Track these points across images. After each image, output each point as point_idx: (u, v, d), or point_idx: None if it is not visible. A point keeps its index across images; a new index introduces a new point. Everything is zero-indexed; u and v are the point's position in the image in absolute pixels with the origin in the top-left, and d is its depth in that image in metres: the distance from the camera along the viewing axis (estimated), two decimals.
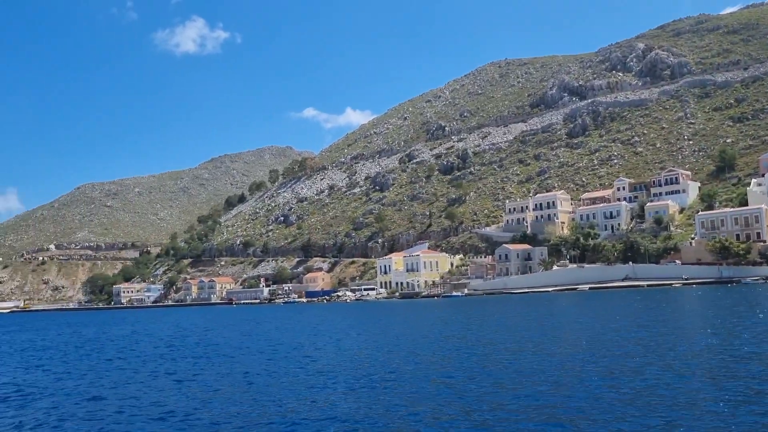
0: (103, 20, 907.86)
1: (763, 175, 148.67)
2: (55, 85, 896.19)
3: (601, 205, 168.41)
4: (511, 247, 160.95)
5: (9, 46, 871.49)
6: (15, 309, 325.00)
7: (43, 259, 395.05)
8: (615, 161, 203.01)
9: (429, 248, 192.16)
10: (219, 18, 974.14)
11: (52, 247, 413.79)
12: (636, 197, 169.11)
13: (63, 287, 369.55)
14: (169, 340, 59.53)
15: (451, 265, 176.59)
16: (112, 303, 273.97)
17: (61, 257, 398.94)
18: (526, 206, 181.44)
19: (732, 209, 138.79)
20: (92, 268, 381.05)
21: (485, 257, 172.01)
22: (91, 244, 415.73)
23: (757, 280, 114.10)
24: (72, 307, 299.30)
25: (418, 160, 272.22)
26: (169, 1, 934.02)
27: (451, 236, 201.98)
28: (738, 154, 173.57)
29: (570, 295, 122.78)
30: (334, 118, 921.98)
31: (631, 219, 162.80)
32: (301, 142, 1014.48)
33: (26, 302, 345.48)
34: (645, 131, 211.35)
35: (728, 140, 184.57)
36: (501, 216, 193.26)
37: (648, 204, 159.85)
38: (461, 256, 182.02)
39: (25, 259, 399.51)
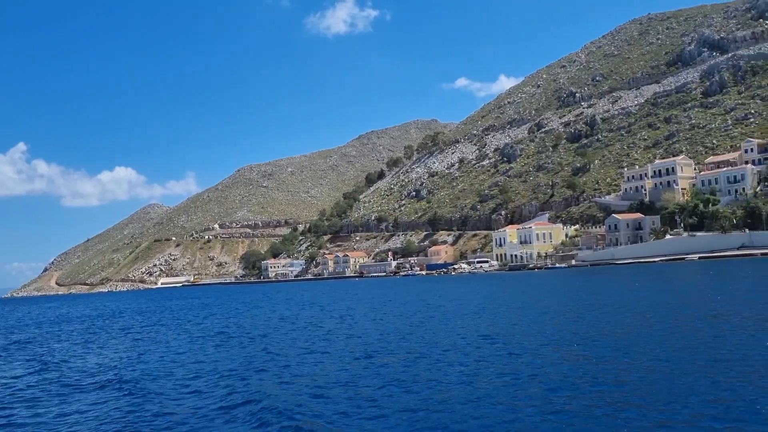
0: (258, 11, 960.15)
1: None
2: (218, 76, 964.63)
3: (725, 169, 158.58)
4: (620, 216, 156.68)
5: (178, 45, 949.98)
6: (186, 283, 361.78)
7: (208, 237, 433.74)
8: (751, 120, 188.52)
9: (549, 219, 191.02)
10: None
11: (216, 226, 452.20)
12: (766, 159, 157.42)
13: (225, 263, 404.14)
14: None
15: (566, 236, 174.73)
16: (262, 277, 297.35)
17: (224, 235, 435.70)
18: (645, 173, 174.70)
19: None
20: (250, 245, 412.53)
21: (601, 227, 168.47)
22: (250, 223, 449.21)
23: None
24: (229, 281, 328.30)
25: (546, 128, 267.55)
26: None
27: (572, 206, 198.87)
28: None
29: (670, 266, 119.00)
30: (487, 86, 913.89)
31: (758, 183, 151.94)
32: (450, 114, 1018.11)
33: (196, 277, 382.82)
34: None
35: None
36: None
37: None
38: (577, 226, 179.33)
39: (194, 237, 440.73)
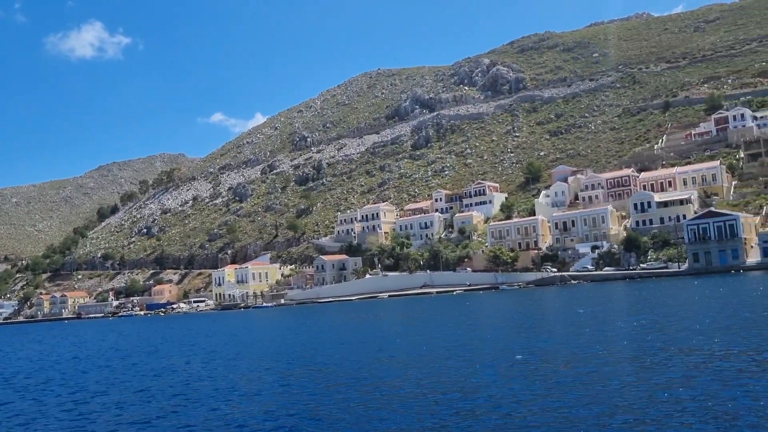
0: None
1: (548, 187, 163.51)
2: None
3: (419, 216, 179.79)
4: (327, 257, 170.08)
5: None
6: None
7: None
8: (446, 172, 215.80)
9: (271, 259, 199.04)
10: (119, 23, 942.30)
11: None
12: (451, 208, 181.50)
13: None
14: None
15: (282, 275, 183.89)
16: None
17: None
18: (355, 217, 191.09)
19: (516, 220, 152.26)
20: None
21: (312, 267, 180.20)
22: None
23: (512, 285, 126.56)
24: None
25: (278, 170, 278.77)
26: (64, 6, 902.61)
27: (293, 247, 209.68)
28: (546, 166, 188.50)
29: (364, 303, 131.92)
30: (243, 123, 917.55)
31: (444, 229, 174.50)
32: (203, 149, 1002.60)
33: None
34: (477, 143, 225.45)
35: (542, 153, 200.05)
36: None
37: (456, 215, 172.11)
38: (293, 266, 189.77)
39: None
